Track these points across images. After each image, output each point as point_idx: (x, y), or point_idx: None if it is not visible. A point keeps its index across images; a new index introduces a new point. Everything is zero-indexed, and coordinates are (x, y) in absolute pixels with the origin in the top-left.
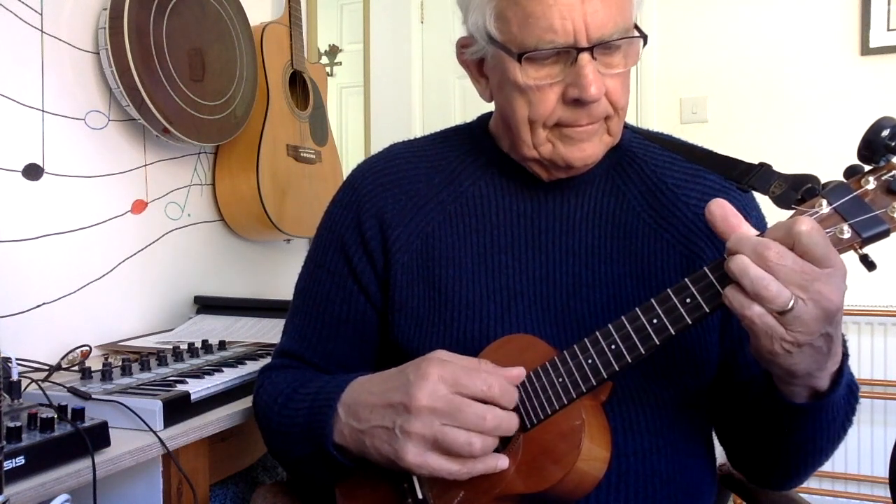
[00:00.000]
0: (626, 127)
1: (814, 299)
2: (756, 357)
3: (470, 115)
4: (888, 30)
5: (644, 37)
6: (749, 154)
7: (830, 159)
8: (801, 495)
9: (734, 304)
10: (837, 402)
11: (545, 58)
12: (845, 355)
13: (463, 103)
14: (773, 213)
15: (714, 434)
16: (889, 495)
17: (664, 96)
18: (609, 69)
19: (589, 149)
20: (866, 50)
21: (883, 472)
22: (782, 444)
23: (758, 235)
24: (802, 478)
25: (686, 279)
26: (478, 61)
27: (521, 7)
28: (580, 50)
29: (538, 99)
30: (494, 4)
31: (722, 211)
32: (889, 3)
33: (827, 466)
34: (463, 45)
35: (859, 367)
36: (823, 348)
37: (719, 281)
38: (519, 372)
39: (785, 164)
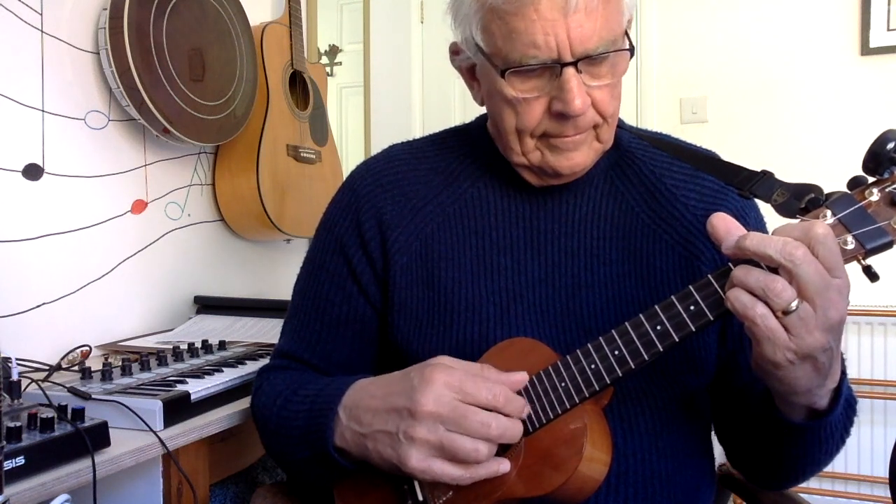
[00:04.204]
0: (625, 128)
1: (821, 305)
2: (758, 371)
3: (470, 115)
4: (888, 30)
5: (631, 49)
6: (749, 153)
7: (830, 159)
8: (801, 495)
9: (737, 306)
10: (836, 420)
11: (530, 72)
12: (843, 373)
13: (463, 103)
14: (774, 222)
15: (713, 433)
16: (889, 495)
17: (664, 96)
18: (596, 80)
19: (577, 157)
20: (866, 50)
21: (883, 472)
22: (780, 454)
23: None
24: (800, 481)
25: (690, 286)
26: (469, 67)
27: (504, 22)
28: (564, 65)
29: (524, 110)
30: (480, 17)
31: (724, 224)
32: (889, 3)
33: (827, 466)
34: (454, 52)
35: (859, 367)
36: (826, 365)
37: (724, 288)
38: (521, 377)
39: (785, 164)
